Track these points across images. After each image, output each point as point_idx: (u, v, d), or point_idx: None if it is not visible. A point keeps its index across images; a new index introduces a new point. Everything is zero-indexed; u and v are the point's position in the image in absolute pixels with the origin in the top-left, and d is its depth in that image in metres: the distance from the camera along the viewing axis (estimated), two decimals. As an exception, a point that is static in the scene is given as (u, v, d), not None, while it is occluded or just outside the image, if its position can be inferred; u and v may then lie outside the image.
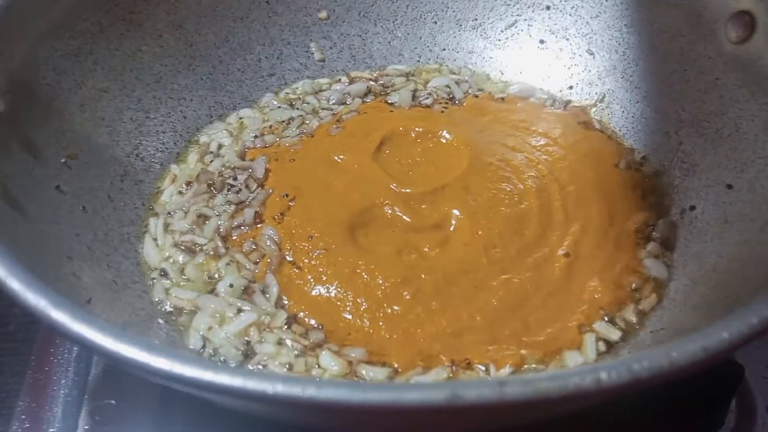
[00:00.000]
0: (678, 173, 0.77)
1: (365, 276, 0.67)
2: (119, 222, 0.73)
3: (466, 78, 0.94)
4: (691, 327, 0.60)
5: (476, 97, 0.92)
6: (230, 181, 0.79)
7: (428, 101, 0.90)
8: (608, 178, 0.79)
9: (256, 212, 0.75)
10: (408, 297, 0.66)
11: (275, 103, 0.91)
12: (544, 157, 0.81)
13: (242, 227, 0.74)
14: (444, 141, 0.82)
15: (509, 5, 0.93)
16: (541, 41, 0.93)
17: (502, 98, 0.91)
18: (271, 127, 0.87)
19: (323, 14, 0.95)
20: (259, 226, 0.73)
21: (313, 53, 0.95)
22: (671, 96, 0.81)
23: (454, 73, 0.95)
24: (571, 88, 0.91)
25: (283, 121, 0.88)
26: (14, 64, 0.67)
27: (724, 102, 0.74)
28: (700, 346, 0.40)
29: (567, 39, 0.91)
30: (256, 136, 0.86)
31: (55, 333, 0.43)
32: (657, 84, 0.82)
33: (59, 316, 0.43)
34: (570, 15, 0.90)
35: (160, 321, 0.65)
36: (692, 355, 0.40)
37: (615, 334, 0.65)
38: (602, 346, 0.65)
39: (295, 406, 0.38)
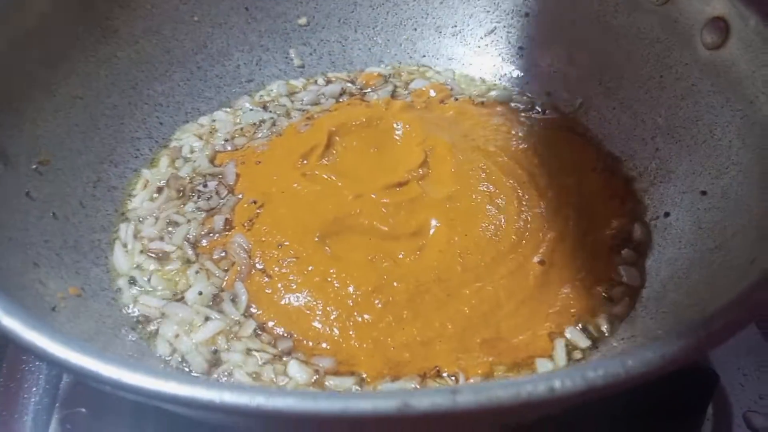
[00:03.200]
0: (654, 179, 0.77)
1: (336, 284, 0.67)
2: (90, 228, 0.73)
3: (448, 81, 0.94)
4: (663, 334, 0.60)
5: (457, 100, 0.91)
6: (200, 188, 0.78)
7: (408, 100, 0.90)
8: (586, 183, 0.79)
9: (226, 219, 0.74)
10: (379, 305, 0.65)
11: (248, 105, 0.90)
12: (524, 161, 0.81)
13: (212, 234, 0.73)
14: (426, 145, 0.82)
15: (488, 12, 0.93)
16: (520, 48, 0.93)
17: (482, 102, 0.91)
18: (242, 129, 0.87)
19: (303, 20, 0.95)
20: (228, 233, 0.73)
21: (292, 59, 0.95)
22: (648, 102, 0.81)
23: (438, 73, 0.95)
24: (549, 94, 0.91)
25: (255, 124, 0.87)
26: (-13, 71, 0.67)
27: (700, 108, 0.74)
28: (656, 353, 0.40)
29: (546, 46, 0.91)
30: (226, 140, 0.85)
31: (8, 342, 0.42)
32: (634, 90, 0.82)
33: (10, 323, 0.42)
34: (548, 22, 0.90)
35: (128, 329, 0.65)
36: (648, 363, 0.39)
37: (584, 342, 0.65)
38: (578, 354, 0.64)
39: (244, 415, 0.38)
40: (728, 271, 0.59)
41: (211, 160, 0.82)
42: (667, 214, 0.73)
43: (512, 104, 0.91)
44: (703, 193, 0.70)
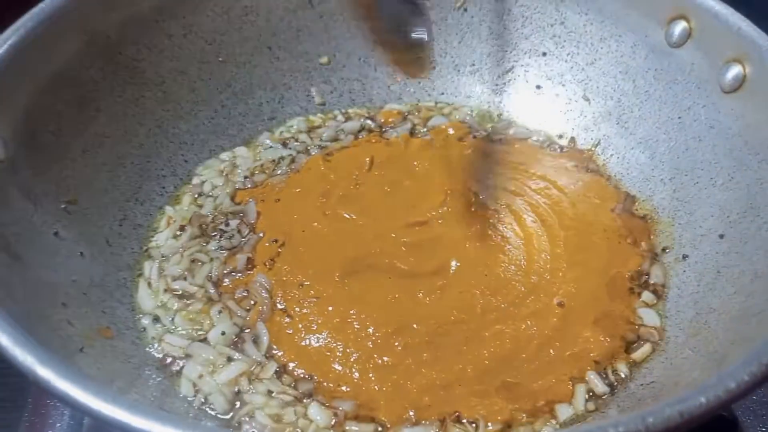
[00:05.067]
0: (672, 221, 0.78)
1: (356, 325, 0.67)
2: (116, 267, 0.74)
3: (466, 119, 0.95)
4: (682, 381, 0.60)
5: (475, 137, 0.92)
6: (222, 226, 0.80)
7: (427, 137, 0.91)
8: (605, 223, 0.80)
9: (248, 258, 0.75)
10: (399, 348, 0.66)
11: (268, 142, 0.92)
12: (544, 200, 0.82)
13: (234, 273, 0.74)
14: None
15: (506, 51, 0.95)
16: (538, 86, 0.94)
17: (500, 139, 0.92)
18: (262, 166, 0.88)
19: (324, 59, 0.96)
20: (250, 272, 0.74)
21: (313, 97, 0.96)
22: (666, 143, 0.81)
23: (456, 110, 0.96)
24: (567, 132, 0.91)
25: (274, 161, 0.89)
26: (18, 112, 0.69)
27: (718, 151, 0.75)
28: (675, 410, 0.40)
29: (563, 85, 0.92)
30: (246, 177, 0.86)
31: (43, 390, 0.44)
32: (652, 130, 0.83)
33: (45, 373, 0.43)
34: (566, 61, 0.91)
35: (152, 368, 0.66)
36: (668, 419, 0.40)
37: (602, 388, 0.65)
38: (593, 404, 0.64)
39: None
40: (747, 318, 0.59)
41: (232, 198, 0.84)
42: (685, 257, 0.74)
43: (531, 141, 0.92)
44: (721, 236, 0.70)
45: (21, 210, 0.66)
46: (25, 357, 0.45)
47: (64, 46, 0.74)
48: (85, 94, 0.78)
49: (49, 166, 0.72)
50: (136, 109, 0.83)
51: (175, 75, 0.87)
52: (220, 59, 0.91)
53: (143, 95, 0.84)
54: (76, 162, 0.75)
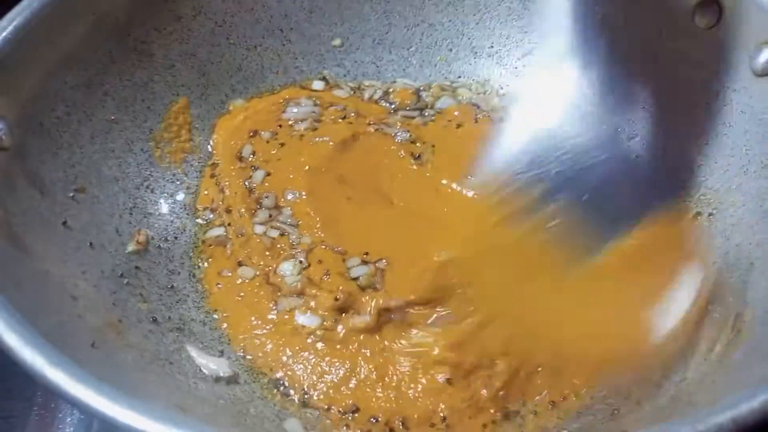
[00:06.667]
0: (701, 211, 0.75)
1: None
2: (127, 257, 0.72)
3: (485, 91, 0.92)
4: (719, 380, 0.57)
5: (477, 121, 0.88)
6: None
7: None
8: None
9: None
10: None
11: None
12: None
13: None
14: None
15: (526, 33, 0.91)
16: (559, 69, 0.90)
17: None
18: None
19: (337, 42, 0.93)
20: None
21: (326, 81, 0.93)
22: (694, 129, 0.78)
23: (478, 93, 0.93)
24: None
25: None
26: (23, 97, 0.66)
27: (750, 137, 0.72)
28: (728, 417, 0.38)
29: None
30: None
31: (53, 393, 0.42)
32: (679, 117, 0.80)
33: (55, 376, 0.41)
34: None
35: (165, 362, 0.63)
36: (719, 427, 0.38)
37: None
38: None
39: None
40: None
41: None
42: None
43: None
44: (754, 227, 0.68)
45: (28, 199, 0.64)
46: (34, 359, 0.42)
47: (71, 28, 0.71)
48: (93, 78, 0.75)
49: (57, 153, 0.70)
50: (145, 93, 0.81)
51: (185, 58, 0.85)
52: (231, 41, 0.88)
53: (152, 79, 0.82)
54: (84, 149, 0.73)
